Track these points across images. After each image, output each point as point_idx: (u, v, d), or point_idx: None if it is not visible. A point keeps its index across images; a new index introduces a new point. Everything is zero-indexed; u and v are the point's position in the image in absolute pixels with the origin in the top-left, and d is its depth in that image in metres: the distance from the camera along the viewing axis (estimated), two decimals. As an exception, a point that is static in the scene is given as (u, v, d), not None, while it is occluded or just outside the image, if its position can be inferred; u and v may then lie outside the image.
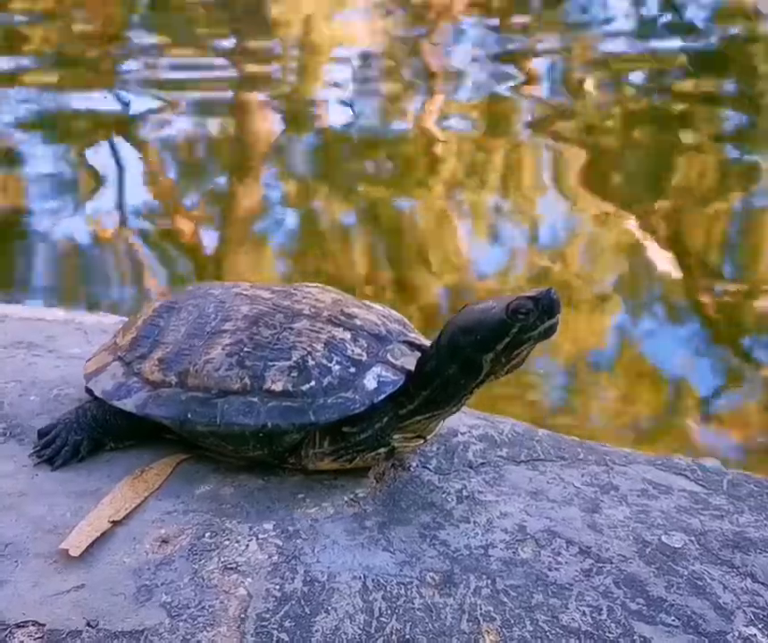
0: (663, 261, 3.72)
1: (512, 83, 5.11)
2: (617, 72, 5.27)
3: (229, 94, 5.00)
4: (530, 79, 5.20)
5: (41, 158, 4.32)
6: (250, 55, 5.35)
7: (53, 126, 4.60)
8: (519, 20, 5.90)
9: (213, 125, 4.70)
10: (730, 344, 3.38)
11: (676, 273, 3.68)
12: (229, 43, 5.50)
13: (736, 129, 4.72)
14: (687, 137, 4.57)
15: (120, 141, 4.51)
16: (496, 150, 4.49)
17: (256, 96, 4.99)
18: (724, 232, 3.96)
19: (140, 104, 4.77)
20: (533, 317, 1.46)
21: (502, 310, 1.47)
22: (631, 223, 3.94)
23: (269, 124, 4.79)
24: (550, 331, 1.47)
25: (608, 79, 5.19)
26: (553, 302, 1.46)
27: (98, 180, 4.21)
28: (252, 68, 5.25)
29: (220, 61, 5.27)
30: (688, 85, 5.12)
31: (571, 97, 5.02)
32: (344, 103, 4.88)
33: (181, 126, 4.64)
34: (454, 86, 5.11)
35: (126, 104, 4.69)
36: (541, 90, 5.10)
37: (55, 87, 4.88)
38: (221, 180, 4.38)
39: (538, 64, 5.38)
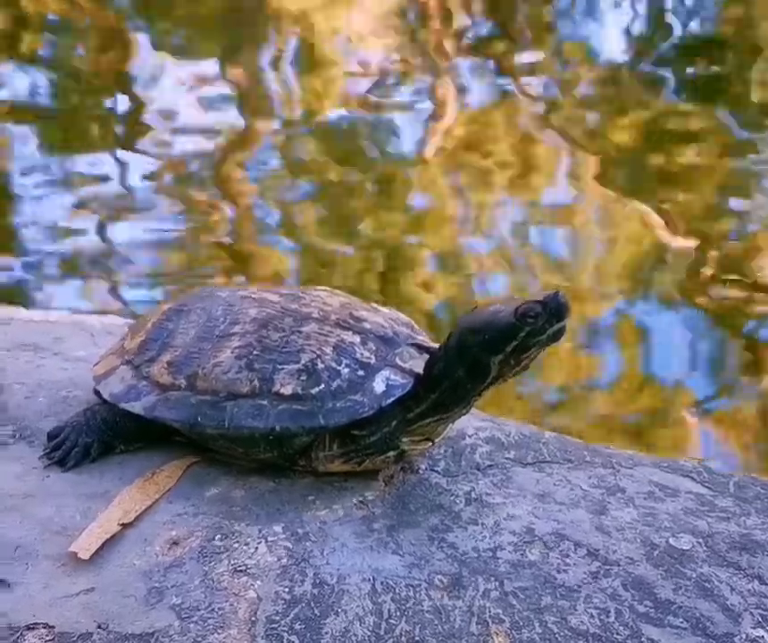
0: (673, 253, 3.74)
1: (512, 94, 5.11)
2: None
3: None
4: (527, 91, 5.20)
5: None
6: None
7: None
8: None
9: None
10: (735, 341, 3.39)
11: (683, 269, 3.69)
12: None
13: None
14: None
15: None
16: (501, 156, 4.49)
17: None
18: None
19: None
20: (541, 320, 1.47)
21: (510, 313, 1.47)
22: (638, 212, 3.94)
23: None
24: (558, 335, 1.48)
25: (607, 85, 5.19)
26: (561, 305, 1.47)
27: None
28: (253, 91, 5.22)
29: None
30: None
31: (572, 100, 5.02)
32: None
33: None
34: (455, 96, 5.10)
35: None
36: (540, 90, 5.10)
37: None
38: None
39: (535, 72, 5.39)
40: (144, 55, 5.30)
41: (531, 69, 5.25)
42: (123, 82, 5.04)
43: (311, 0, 5.83)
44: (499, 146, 4.50)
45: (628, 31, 5.81)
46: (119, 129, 4.72)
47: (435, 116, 4.79)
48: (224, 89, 4.99)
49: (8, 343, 1.90)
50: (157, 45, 5.40)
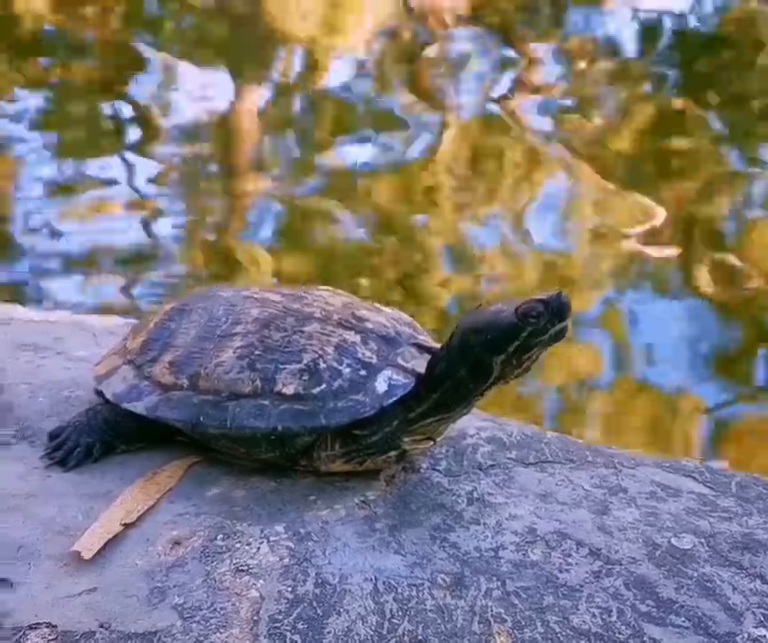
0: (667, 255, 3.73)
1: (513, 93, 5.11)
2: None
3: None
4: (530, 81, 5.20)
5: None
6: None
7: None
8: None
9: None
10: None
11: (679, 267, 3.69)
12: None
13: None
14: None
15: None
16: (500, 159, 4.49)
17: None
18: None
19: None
20: (543, 320, 1.47)
21: (512, 312, 1.47)
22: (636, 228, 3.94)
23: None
24: (560, 335, 1.48)
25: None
26: (563, 305, 1.47)
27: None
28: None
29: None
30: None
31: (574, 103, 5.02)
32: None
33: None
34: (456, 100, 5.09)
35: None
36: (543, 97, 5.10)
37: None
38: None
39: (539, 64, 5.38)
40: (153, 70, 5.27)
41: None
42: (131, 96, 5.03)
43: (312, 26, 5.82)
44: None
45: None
46: (129, 134, 4.72)
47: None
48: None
49: (8, 343, 1.90)
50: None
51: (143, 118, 4.79)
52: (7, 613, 1.35)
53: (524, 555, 1.47)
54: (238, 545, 1.45)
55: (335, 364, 1.53)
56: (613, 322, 3.57)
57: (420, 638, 1.34)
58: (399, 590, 1.40)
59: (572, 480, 1.62)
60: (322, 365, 1.53)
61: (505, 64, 5.41)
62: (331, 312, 1.58)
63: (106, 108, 4.86)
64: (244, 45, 5.66)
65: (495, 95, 5.10)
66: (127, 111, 4.86)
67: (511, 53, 5.54)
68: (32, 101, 4.88)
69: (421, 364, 1.55)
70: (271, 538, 1.46)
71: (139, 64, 5.26)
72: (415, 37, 5.78)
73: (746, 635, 1.37)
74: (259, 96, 5.07)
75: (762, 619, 1.39)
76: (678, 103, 4.92)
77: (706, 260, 3.77)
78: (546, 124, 4.81)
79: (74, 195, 4.17)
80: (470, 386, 1.52)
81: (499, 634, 1.35)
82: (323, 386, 1.52)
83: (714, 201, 4.21)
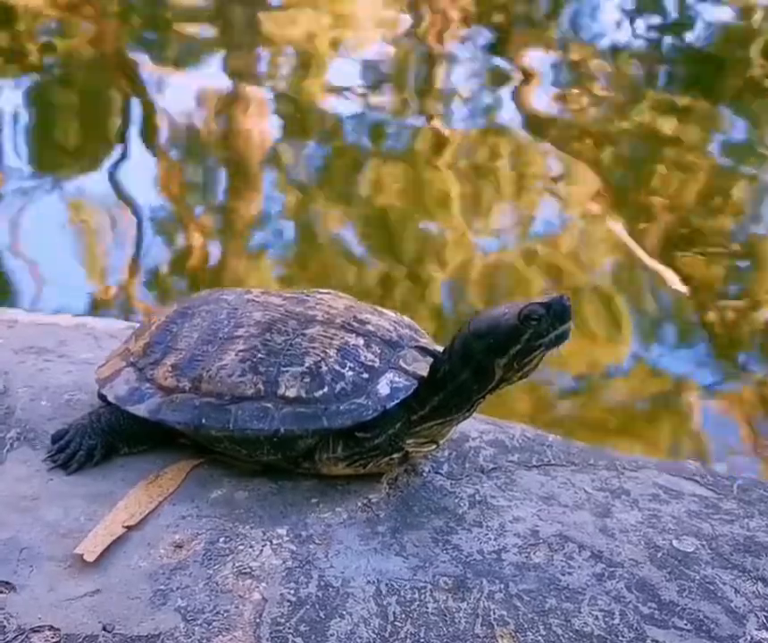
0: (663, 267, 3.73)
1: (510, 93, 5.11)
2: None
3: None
4: (528, 82, 5.20)
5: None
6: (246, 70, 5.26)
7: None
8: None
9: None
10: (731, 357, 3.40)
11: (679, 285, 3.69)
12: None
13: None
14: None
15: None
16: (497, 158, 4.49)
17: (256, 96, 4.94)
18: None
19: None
20: (545, 323, 1.47)
21: (514, 316, 1.48)
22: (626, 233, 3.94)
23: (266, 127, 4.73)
24: (562, 338, 1.48)
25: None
26: (564, 308, 1.47)
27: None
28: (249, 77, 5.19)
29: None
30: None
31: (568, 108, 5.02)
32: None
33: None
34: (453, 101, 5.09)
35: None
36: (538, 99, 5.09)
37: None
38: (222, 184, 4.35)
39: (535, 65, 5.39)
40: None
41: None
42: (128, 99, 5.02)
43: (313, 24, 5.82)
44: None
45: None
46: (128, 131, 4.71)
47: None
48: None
49: (12, 345, 1.90)
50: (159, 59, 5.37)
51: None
52: (10, 616, 1.35)
53: (527, 557, 1.47)
54: (241, 547, 1.45)
55: (337, 367, 1.53)
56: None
57: (422, 640, 1.34)
58: (402, 593, 1.40)
59: (574, 482, 1.62)
60: (325, 368, 1.53)
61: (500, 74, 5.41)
62: (334, 315, 1.59)
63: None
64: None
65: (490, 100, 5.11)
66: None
67: (507, 64, 5.53)
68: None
69: (423, 367, 1.55)
70: (274, 541, 1.46)
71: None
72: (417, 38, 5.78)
73: (748, 638, 1.37)
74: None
75: (764, 621, 1.39)
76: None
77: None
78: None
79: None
80: (472, 389, 1.52)
81: (502, 637, 1.35)
82: (326, 388, 1.52)
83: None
